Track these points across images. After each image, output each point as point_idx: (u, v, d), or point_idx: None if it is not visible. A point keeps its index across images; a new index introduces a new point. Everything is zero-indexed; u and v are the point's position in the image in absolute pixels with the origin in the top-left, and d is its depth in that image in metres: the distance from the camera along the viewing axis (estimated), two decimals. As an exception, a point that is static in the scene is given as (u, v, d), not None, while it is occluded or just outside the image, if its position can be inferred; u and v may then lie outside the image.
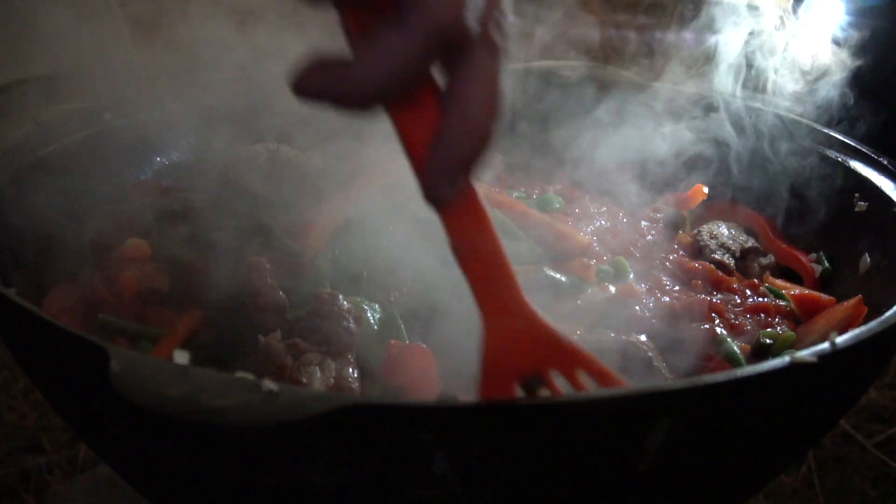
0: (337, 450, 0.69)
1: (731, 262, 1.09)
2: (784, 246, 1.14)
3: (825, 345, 0.75)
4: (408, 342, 0.90)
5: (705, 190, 1.16)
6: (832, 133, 1.14)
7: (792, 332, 1.01)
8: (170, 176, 1.17)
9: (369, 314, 0.90)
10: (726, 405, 0.73)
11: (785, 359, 0.73)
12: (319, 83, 0.65)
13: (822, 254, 1.11)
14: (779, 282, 1.07)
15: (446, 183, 0.67)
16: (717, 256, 1.08)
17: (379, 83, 0.64)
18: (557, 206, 1.14)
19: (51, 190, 1.01)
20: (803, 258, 1.12)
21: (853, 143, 1.12)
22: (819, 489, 1.31)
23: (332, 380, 0.83)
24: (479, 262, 0.71)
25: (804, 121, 1.18)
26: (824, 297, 1.04)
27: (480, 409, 0.68)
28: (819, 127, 1.16)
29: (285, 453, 0.70)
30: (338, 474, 0.71)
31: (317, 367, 0.83)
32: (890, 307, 0.83)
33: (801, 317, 1.02)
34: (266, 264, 0.92)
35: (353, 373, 0.84)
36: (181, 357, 0.68)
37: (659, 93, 1.23)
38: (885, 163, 1.08)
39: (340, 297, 0.89)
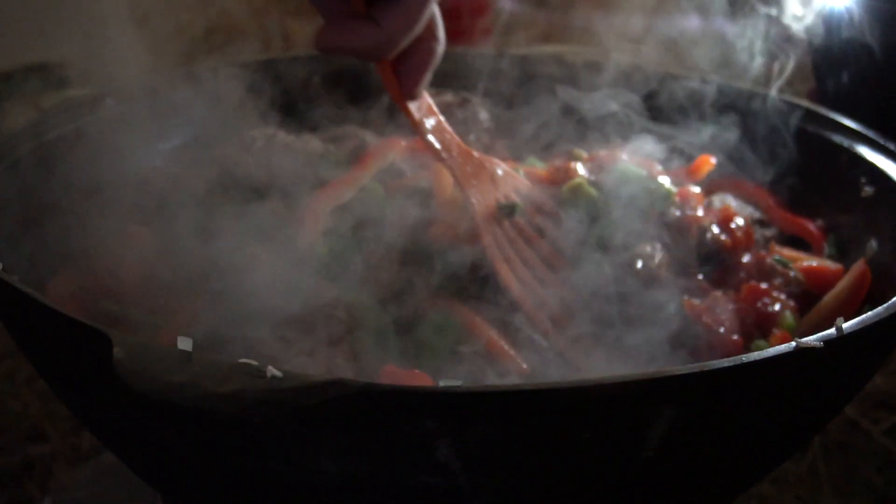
0: (341, 436, 0.69)
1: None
2: (789, 215, 1.14)
3: (831, 330, 0.75)
4: (399, 347, 0.89)
5: (712, 160, 1.15)
6: (838, 118, 1.14)
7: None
8: (172, 162, 1.17)
9: (369, 310, 0.89)
10: (731, 391, 0.73)
11: (791, 344, 0.73)
12: (340, 41, 0.87)
13: (830, 236, 1.11)
14: (786, 251, 1.07)
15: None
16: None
17: (396, 41, 0.87)
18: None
19: (52, 177, 1.01)
20: (810, 225, 1.12)
21: (859, 128, 1.11)
22: (824, 476, 1.31)
23: (324, 369, 0.82)
24: (439, 132, 0.99)
25: (809, 105, 1.17)
26: (832, 266, 1.04)
27: (485, 396, 0.68)
28: (824, 111, 1.15)
29: (289, 440, 0.70)
30: (342, 461, 0.71)
31: (308, 358, 0.82)
32: (896, 293, 0.82)
33: (809, 287, 1.01)
34: (263, 254, 0.91)
35: (346, 363, 0.84)
36: (184, 343, 0.68)
37: (663, 80, 1.23)
38: (892, 147, 1.07)
39: (329, 285, 0.88)
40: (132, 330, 0.90)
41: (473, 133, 1.20)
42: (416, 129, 0.99)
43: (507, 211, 1.00)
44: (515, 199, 1.02)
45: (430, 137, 0.99)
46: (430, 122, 1.00)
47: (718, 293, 0.95)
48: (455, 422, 0.68)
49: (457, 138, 1.02)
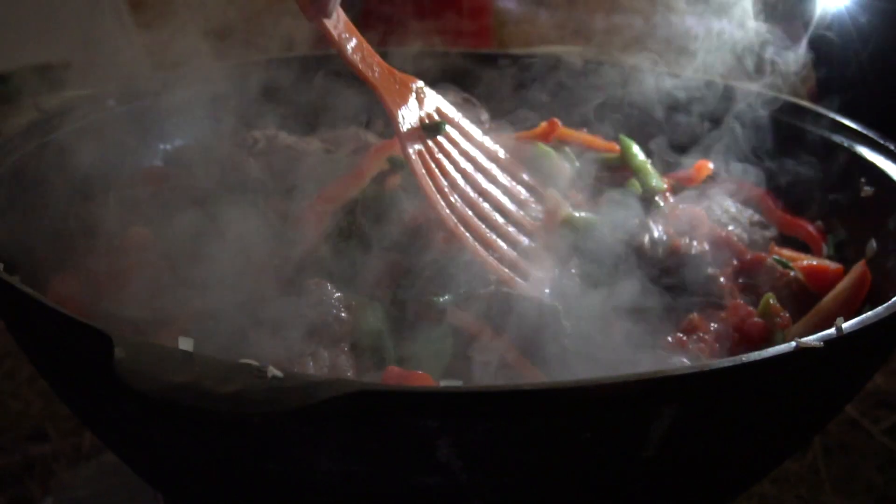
0: (342, 436, 0.69)
1: (745, 235, 1.09)
2: (788, 217, 1.14)
3: (831, 330, 0.75)
4: (401, 348, 0.89)
5: (711, 166, 1.15)
6: (838, 118, 1.14)
7: None
8: (173, 163, 1.17)
9: (370, 311, 0.89)
10: (731, 391, 0.73)
11: (791, 344, 0.73)
12: None
13: (829, 236, 1.11)
14: (785, 252, 1.07)
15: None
16: (731, 229, 1.08)
17: None
18: None
19: (53, 177, 1.01)
20: (809, 226, 1.12)
21: (859, 128, 1.11)
22: (825, 475, 1.31)
23: (325, 370, 0.82)
24: (360, 51, 0.98)
25: (810, 106, 1.17)
26: (832, 266, 1.04)
27: (485, 396, 0.68)
28: (825, 112, 1.15)
29: (290, 440, 0.70)
30: (343, 461, 0.71)
31: (309, 358, 0.82)
32: (896, 293, 0.83)
33: (809, 287, 1.01)
34: (266, 255, 0.91)
35: (347, 362, 0.84)
36: (185, 344, 0.68)
37: (662, 77, 1.23)
38: (892, 148, 1.07)
39: (329, 285, 0.88)
40: (133, 330, 0.90)
41: None
42: (336, 48, 0.97)
43: (432, 129, 1.00)
44: (438, 118, 1.02)
45: (352, 56, 0.98)
46: (351, 43, 0.98)
47: (695, 315, 0.94)
48: (455, 421, 0.68)
49: (378, 57, 1.01)
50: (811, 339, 0.73)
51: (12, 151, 1.01)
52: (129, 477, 0.96)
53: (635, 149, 1.14)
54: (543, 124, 1.15)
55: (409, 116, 1.00)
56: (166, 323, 0.90)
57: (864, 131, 1.11)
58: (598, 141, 1.17)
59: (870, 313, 0.79)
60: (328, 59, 1.28)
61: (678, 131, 1.19)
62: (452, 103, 1.21)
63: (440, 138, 1.01)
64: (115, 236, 0.99)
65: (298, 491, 0.76)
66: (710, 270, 0.99)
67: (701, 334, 0.91)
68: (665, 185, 1.10)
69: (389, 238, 0.96)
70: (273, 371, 0.65)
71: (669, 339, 0.91)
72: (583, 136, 1.17)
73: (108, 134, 1.11)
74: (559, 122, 1.16)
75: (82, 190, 1.03)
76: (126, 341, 0.67)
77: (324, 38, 0.96)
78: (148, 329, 0.90)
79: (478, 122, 1.21)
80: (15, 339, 0.90)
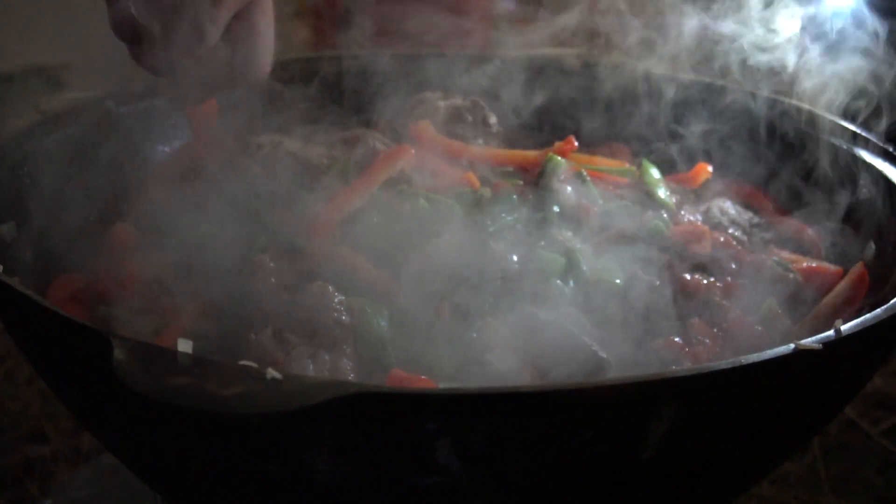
0: (341, 438, 0.69)
1: (745, 238, 1.09)
2: (787, 218, 1.14)
3: (830, 332, 0.75)
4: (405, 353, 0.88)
5: (709, 168, 1.15)
6: (837, 120, 1.14)
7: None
8: (173, 164, 1.17)
9: (373, 315, 0.89)
10: (730, 392, 0.73)
11: (790, 346, 0.73)
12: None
13: (828, 238, 1.11)
14: (785, 254, 1.07)
15: None
16: (731, 232, 1.08)
17: None
18: None
19: (53, 179, 1.01)
20: (808, 228, 1.12)
21: (858, 131, 1.11)
22: (824, 476, 1.31)
23: (326, 372, 0.82)
24: None
25: (808, 107, 1.17)
26: (831, 267, 1.04)
27: (485, 397, 0.68)
28: (823, 113, 1.15)
29: (289, 441, 0.70)
30: (342, 462, 0.71)
31: (309, 361, 0.82)
32: (895, 295, 0.83)
33: (808, 289, 1.01)
34: (270, 263, 0.91)
35: (348, 365, 0.84)
36: (185, 346, 0.68)
37: (660, 79, 1.23)
38: (891, 149, 1.07)
39: (331, 287, 0.88)
40: (132, 333, 0.90)
41: (482, 137, 1.19)
42: None
43: None
44: None
45: None
46: None
47: (696, 320, 0.94)
48: (454, 423, 0.68)
49: None
50: (810, 341, 0.73)
51: (12, 152, 1.01)
52: (129, 478, 0.96)
53: (653, 170, 1.13)
54: (559, 143, 1.14)
55: None
56: (165, 326, 0.90)
57: (863, 133, 1.11)
58: (612, 162, 1.17)
59: (869, 315, 0.79)
60: (327, 60, 1.28)
61: (676, 133, 1.19)
62: (459, 107, 1.20)
63: None
64: (115, 239, 0.99)
65: (298, 492, 0.76)
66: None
67: (701, 338, 0.91)
68: (673, 202, 1.10)
69: (400, 246, 0.96)
70: (272, 373, 0.65)
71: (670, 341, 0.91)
72: (596, 159, 1.17)
73: (108, 135, 1.11)
74: (574, 141, 1.15)
75: (82, 191, 1.03)
76: (125, 343, 0.67)
77: None
78: (147, 332, 0.90)
79: (486, 126, 1.20)
80: (14, 340, 0.90)
